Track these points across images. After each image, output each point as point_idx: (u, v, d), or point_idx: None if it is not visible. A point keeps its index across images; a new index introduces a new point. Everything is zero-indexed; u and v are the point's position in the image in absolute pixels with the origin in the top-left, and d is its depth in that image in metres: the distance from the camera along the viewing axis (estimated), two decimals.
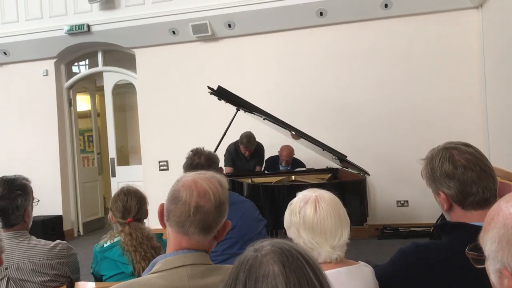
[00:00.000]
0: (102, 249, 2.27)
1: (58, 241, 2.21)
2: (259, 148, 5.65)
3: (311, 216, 1.47)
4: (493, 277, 0.83)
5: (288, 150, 5.50)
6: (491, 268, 0.82)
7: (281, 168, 5.59)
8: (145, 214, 2.40)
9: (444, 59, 5.92)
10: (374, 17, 6.06)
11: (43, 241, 2.16)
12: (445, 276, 1.38)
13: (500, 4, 5.10)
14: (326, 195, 1.53)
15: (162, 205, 1.35)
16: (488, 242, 0.82)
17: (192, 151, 2.63)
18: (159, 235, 2.36)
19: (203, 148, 2.66)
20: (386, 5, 5.88)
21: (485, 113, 5.67)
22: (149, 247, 2.20)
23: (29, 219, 2.17)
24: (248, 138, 5.38)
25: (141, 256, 2.16)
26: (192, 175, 1.34)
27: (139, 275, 2.07)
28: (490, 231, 0.82)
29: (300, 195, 1.56)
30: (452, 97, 5.89)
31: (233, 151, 5.56)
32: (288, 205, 1.57)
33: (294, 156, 5.64)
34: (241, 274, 0.83)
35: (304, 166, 5.66)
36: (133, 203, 2.31)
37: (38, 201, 2.26)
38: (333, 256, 1.47)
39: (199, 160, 2.53)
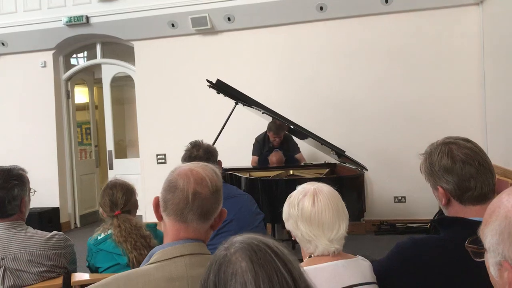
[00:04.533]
0: (97, 241, 2.28)
1: (55, 232, 2.21)
2: (289, 135, 5.52)
3: (309, 208, 1.48)
4: (492, 270, 0.82)
5: (277, 158, 5.29)
6: (491, 260, 0.82)
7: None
8: (134, 205, 2.40)
9: (444, 55, 5.91)
10: (374, 12, 6.04)
11: (40, 231, 2.16)
12: (443, 270, 1.38)
13: (500, 1, 5.09)
14: (324, 188, 1.54)
15: (157, 198, 1.35)
16: (489, 234, 0.82)
17: (190, 143, 2.62)
18: (153, 225, 2.37)
19: (202, 141, 2.65)
20: (386, 1, 5.86)
21: (484, 110, 5.67)
22: (138, 236, 2.21)
23: (25, 210, 2.17)
24: (276, 124, 5.27)
25: (132, 246, 2.18)
26: (187, 164, 1.36)
27: (133, 265, 2.10)
28: (491, 224, 0.82)
29: (299, 188, 1.57)
30: (451, 93, 5.89)
31: (261, 140, 5.53)
32: (287, 198, 1.58)
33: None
34: (211, 275, 0.85)
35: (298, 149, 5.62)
36: (119, 195, 2.32)
37: (35, 191, 2.26)
38: (330, 249, 1.47)
39: (198, 152, 2.53)
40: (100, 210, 2.38)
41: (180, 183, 1.29)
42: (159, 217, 1.36)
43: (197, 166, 1.35)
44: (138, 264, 2.09)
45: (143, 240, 2.20)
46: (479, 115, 5.75)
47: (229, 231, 2.42)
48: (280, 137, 5.39)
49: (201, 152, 2.53)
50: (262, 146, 5.54)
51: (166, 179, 1.34)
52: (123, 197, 2.33)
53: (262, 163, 5.48)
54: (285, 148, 5.48)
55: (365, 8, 6.01)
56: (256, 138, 5.64)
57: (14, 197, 2.08)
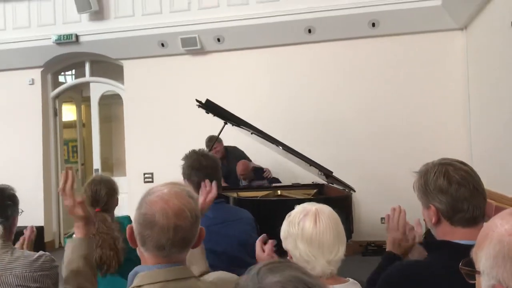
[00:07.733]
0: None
1: (41, 252, 2.16)
2: (232, 154, 5.66)
3: (310, 228, 1.47)
4: None
5: (243, 166, 5.47)
6: (485, 283, 0.82)
7: (243, 184, 5.54)
8: (115, 203, 2.51)
9: (430, 78, 6.01)
10: (361, 35, 6.14)
11: (26, 252, 2.11)
12: None
13: (483, 27, 5.21)
14: (325, 209, 1.54)
15: (131, 228, 1.29)
16: (483, 258, 0.82)
17: (196, 152, 2.50)
18: (127, 218, 2.50)
19: (207, 151, 2.60)
20: (373, 24, 5.97)
21: (469, 132, 5.75)
22: (108, 237, 2.31)
23: (14, 230, 2.13)
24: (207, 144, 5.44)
25: (97, 244, 2.27)
26: (158, 193, 1.26)
27: (96, 263, 2.18)
28: (486, 247, 0.82)
29: (299, 207, 1.56)
30: (437, 116, 5.97)
31: None
32: (287, 216, 1.57)
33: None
34: None
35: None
36: (102, 193, 2.41)
37: (22, 211, 2.23)
38: (327, 271, 1.47)
39: (207, 162, 2.42)
40: None
41: (158, 218, 1.21)
42: (135, 245, 1.30)
43: (170, 195, 1.25)
44: (101, 261, 2.26)
45: (111, 242, 2.30)
46: (464, 137, 5.83)
47: (219, 266, 2.18)
48: (216, 148, 5.48)
49: (210, 162, 2.42)
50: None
51: (140, 211, 1.25)
52: (105, 195, 2.42)
53: (227, 176, 5.47)
54: (233, 164, 5.59)
55: (353, 31, 6.11)
56: None
57: (7, 218, 2.05)
